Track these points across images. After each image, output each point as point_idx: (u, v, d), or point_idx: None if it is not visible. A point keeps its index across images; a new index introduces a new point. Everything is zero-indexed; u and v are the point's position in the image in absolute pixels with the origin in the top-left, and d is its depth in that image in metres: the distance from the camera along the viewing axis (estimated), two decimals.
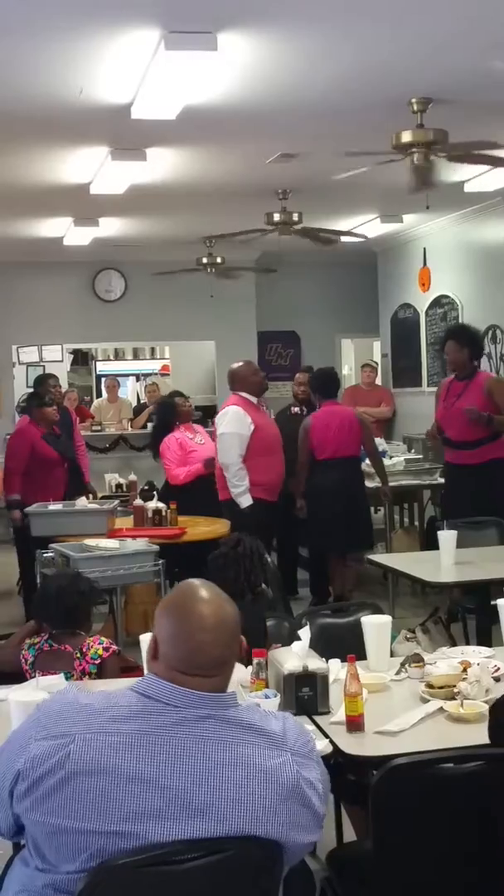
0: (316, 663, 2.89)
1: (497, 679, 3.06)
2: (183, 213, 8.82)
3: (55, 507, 6.42)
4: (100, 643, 3.56)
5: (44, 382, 8.19)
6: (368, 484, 7.30)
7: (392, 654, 3.45)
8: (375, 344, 12.24)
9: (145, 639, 2.72)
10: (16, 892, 2.02)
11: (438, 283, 10.11)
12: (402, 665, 3.23)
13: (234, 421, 6.36)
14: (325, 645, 3.24)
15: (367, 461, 7.33)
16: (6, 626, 6.23)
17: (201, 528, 6.22)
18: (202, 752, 1.94)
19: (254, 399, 6.54)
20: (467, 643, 4.82)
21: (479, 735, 2.56)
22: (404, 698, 3.03)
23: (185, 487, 6.90)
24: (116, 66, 4.75)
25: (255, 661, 2.97)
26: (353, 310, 12.08)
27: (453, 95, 5.35)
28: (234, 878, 1.95)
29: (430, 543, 6.50)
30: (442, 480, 7.20)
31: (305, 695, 2.84)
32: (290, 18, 4.31)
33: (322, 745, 2.56)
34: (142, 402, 12.88)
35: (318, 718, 2.78)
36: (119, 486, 8.20)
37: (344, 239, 8.56)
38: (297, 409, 7.74)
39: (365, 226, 9.63)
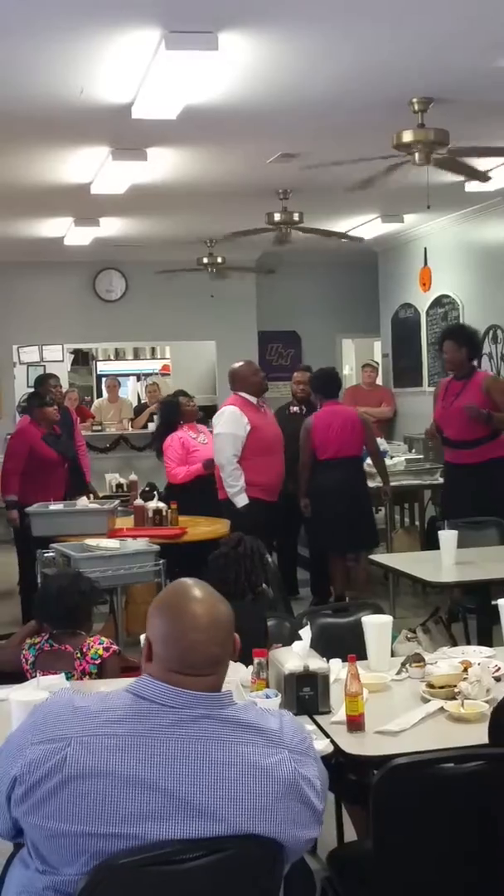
0: (317, 663, 2.89)
1: (498, 679, 3.06)
2: (183, 212, 8.82)
3: (56, 507, 6.42)
4: (100, 643, 3.56)
5: (44, 382, 8.19)
6: (369, 483, 7.29)
7: (393, 654, 3.45)
8: (376, 344, 12.23)
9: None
10: (16, 893, 2.02)
11: (439, 282, 10.11)
12: (403, 665, 3.23)
13: (229, 421, 6.36)
14: (326, 645, 3.23)
15: (368, 461, 7.33)
16: (6, 626, 6.24)
17: (202, 528, 6.22)
18: (199, 751, 1.93)
19: (253, 399, 6.53)
20: (468, 643, 4.81)
21: (479, 735, 2.56)
22: (405, 698, 3.03)
23: (185, 487, 6.89)
24: (117, 65, 4.75)
25: (255, 660, 2.97)
26: (354, 310, 12.08)
27: (454, 95, 5.35)
28: (234, 877, 1.95)
29: (431, 543, 6.48)
30: (442, 480, 7.20)
31: (306, 695, 2.84)
32: (291, 18, 4.32)
33: (323, 745, 2.56)
34: (142, 402, 12.87)
35: (318, 718, 2.79)
36: (119, 486, 8.20)
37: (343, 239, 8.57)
38: (295, 409, 7.73)
39: (365, 226, 9.63)
